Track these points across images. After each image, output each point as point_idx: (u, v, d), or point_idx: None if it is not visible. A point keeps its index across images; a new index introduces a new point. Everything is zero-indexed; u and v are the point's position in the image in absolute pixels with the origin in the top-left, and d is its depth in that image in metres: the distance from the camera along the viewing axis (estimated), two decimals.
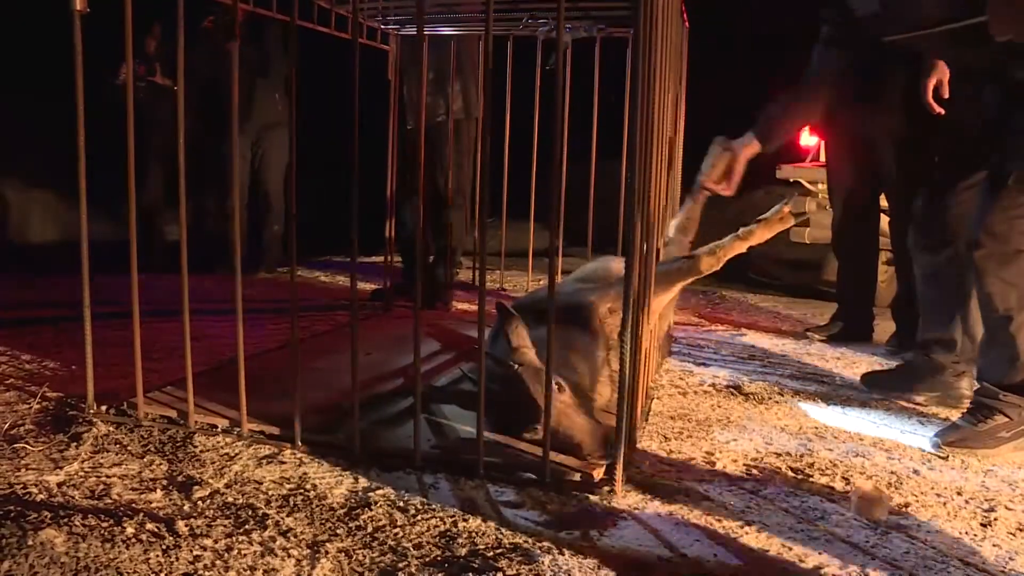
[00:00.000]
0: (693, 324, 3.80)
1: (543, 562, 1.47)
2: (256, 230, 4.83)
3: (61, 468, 1.77)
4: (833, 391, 2.74)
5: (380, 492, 1.75)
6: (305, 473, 1.83)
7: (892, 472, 2.02)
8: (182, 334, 2.04)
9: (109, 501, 1.62)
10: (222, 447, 1.95)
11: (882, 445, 2.22)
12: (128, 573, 1.34)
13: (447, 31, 3.52)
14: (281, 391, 2.27)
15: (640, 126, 1.75)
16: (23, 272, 4.67)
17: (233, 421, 2.05)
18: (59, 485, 1.68)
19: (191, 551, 1.43)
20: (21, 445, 1.88)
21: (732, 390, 2.65)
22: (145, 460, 1.85)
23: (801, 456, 2.10)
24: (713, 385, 2.71)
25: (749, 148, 2.48)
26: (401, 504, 1.69)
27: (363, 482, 1.80)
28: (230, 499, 1.67)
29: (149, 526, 1.50)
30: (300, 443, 1.96)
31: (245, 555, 1.44)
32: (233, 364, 2.05)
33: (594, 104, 3.43)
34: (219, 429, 2.05)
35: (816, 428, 2.33)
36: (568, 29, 3.28)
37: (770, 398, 2.59)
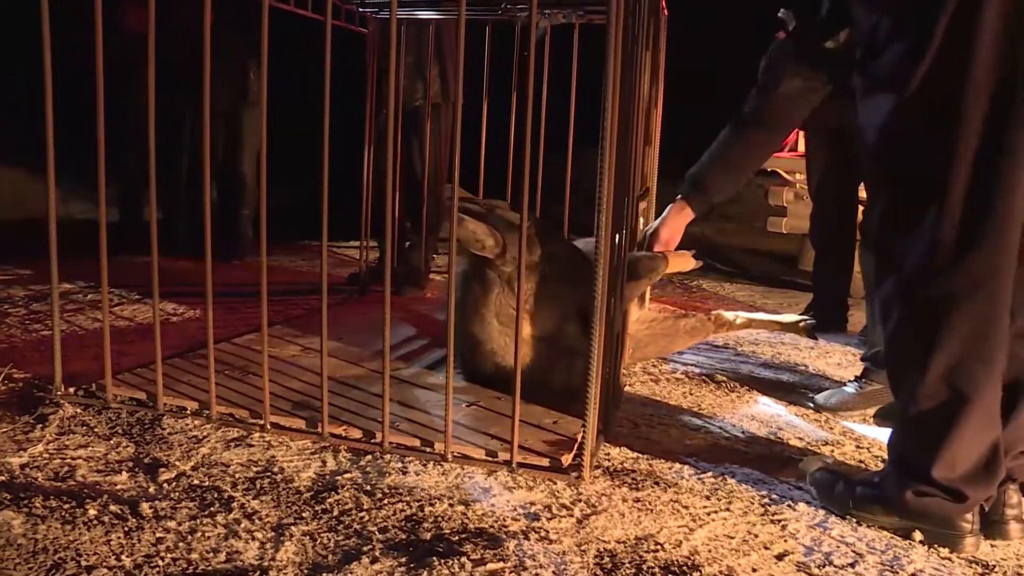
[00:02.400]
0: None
1: (508, 547, 1.47)
2: (233, 214, 4.78)
3: (25, 450, 1.75)
4: (805, 380, 2.76)
5: (347, 476, 1.74)
6: (273, 456, 1.82)
7: (860, 461, 2.04)
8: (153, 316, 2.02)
9: (73, 483, 1.60)
10: (190, 430, 1.94)
11: (852, 434, 2.24)
12: (88, 555, 1.33)
13: (425, 15, 3.50)
14: (252, 375, 2.27)
15: (611, 114, 1.75)
16: None
17: (202, 404, 2.03)
18: (22, 467, 1.66)
19: (154, 533, 1.42)
20: None
21: (704, 379, 2.67)
22: (112, 442, 1.83)
23: (770, 444, 2.11)
24: (685, 373, 2.72)
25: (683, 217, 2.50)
26: (368, 488, 1.69)
27: (331, 466, 1.79)
28: (196, 481, 1.66)
29: (112, 508, 1.49)
30: (268, 427, 1.95)
31: (209, 537, 1.43)
32: (204, 347, 2.03)
33: (572, 91, 3.42)
34: (188, 412, 2.03)
35: (786, 417, 2.35)
36: (546, 15, 3.26)
37: (742, 387, 2.60)
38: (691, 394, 2.50)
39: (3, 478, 1.61)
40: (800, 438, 2.17)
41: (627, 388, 2.50)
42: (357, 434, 1.94)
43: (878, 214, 1.67)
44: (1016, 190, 1.50)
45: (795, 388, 2.63)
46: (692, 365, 2.83)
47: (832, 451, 2.09)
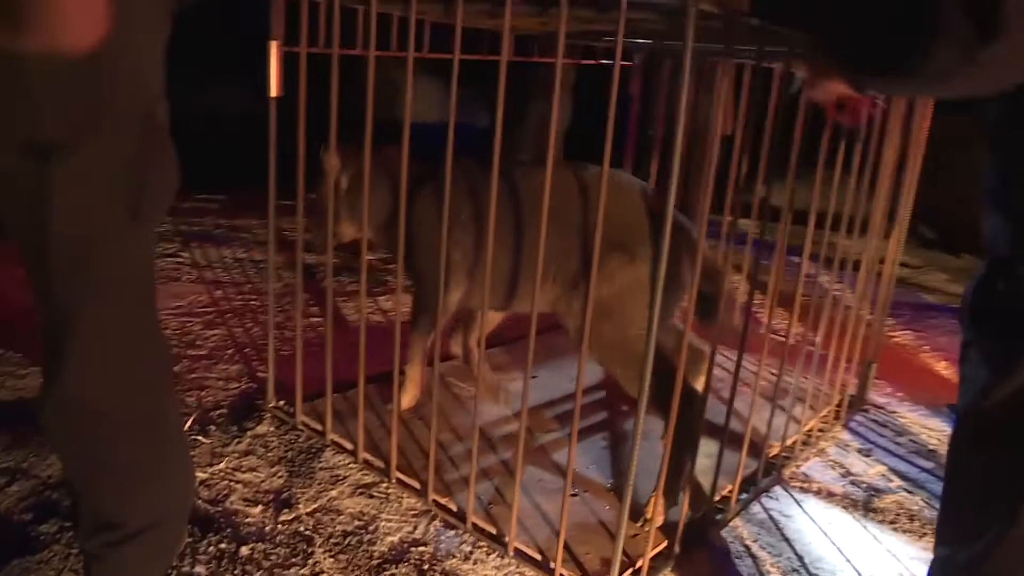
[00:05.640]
0: (901, 389, 3.47)
1: None
2: None
3: (212, 465, 2.32)
4: None
5: (421, 549, 2.06)
6: (379, 512, 2.19)
7: None
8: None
9: (220, 510, 2.13)
10: (338, 467, 2.39)
11: None
12: None
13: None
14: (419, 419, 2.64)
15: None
16: None
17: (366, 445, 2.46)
18: (200, 483, 2.23)
19: None
20: (197, 438, 2.46)
21: (861, 502, 2.51)
22: (273, 470, 2.34)
23: None
24: (845, 488, 2.58)
25: None
26: (425, 568, 1.99)
27: (417, 533, 2.13)
28: (302, 528, 2.09)
29: (221, 546, 1.98)
30: (394, 481, 2.33)
31: None
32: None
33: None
34: (344, 450, 2.47)
35: None
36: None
37: (896, 522, 2.42)
38: (827, 531, 2.35)
39: None
40: None
41: (770, 501, 2.47)
42: (455, 507, 2.24)
43: None
44: None
45: None
46: (864, 477, 2.66)
47: None
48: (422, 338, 2.59)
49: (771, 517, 2.38)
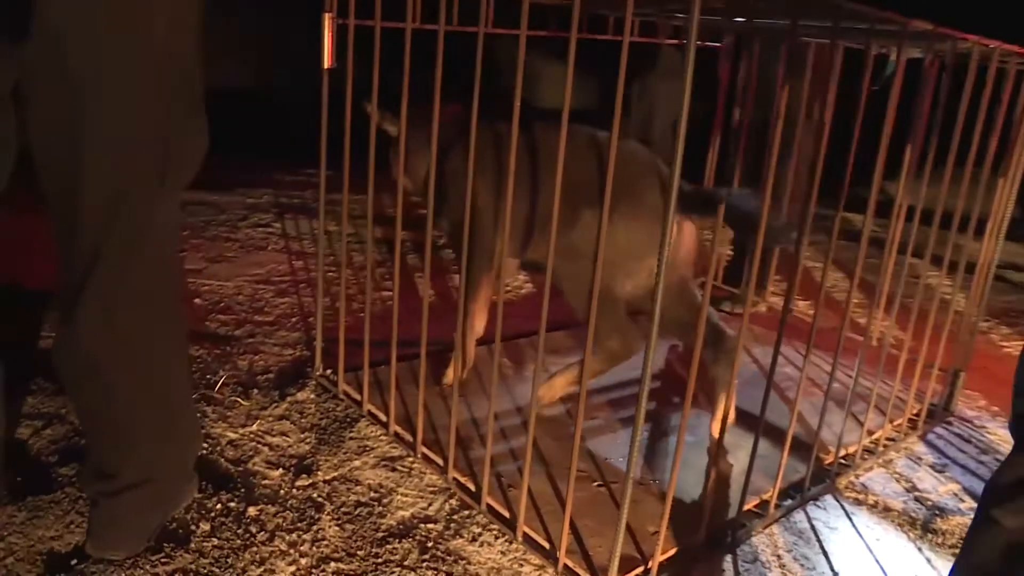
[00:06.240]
0: (997, 403, 3.15)
1: None
2: None
3: (244, 427, 2.36)
4: None
5: (428, 526, 2.03)
6: (398, 487, 2.17)
7: None
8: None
9: (240, 470, 2.16)
10: (368, 438, 2.38)
11: None
12: (171, 555, 1.85)
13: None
14: (461, 398, 2.60)
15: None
16: None
17: (399, 415, 2.45)
18: (226, 443, 2.27)
19: (230, 539, 1.89)
20: (237, 399, 2.51)
21: (921, 520, 2.30)
22: (302, 435, 2.36)
23: None
24: (906, 504, 2.36)
25: None
26: (429, 544, 1.96)
27: (431, 511, 2.09)
28: (315, 495, 2.10)
29: (231, 504, 2.00)
30: (419, 456, 2.30)
31: (263, 560, 1.86)
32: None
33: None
34: (378, 421, 2.47)
35: None
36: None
37: (957, 547, 2.20)
38: (877, 547, 2.17)
39: (207, 450, 2.23)
40: None
41: (817, 510, 2.30)
42: (473, 487, 2.19)
43: None
44: None
45: None
46: (932, 495, 2.43)
47: None
48: (469, 309, 2.55)
49: (813, 527, 2.21)
